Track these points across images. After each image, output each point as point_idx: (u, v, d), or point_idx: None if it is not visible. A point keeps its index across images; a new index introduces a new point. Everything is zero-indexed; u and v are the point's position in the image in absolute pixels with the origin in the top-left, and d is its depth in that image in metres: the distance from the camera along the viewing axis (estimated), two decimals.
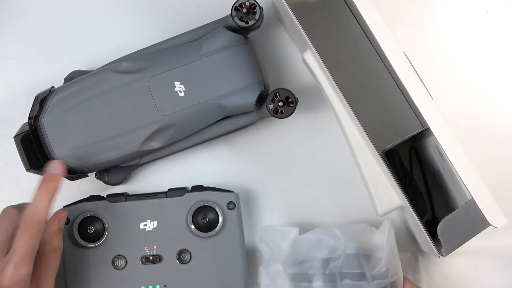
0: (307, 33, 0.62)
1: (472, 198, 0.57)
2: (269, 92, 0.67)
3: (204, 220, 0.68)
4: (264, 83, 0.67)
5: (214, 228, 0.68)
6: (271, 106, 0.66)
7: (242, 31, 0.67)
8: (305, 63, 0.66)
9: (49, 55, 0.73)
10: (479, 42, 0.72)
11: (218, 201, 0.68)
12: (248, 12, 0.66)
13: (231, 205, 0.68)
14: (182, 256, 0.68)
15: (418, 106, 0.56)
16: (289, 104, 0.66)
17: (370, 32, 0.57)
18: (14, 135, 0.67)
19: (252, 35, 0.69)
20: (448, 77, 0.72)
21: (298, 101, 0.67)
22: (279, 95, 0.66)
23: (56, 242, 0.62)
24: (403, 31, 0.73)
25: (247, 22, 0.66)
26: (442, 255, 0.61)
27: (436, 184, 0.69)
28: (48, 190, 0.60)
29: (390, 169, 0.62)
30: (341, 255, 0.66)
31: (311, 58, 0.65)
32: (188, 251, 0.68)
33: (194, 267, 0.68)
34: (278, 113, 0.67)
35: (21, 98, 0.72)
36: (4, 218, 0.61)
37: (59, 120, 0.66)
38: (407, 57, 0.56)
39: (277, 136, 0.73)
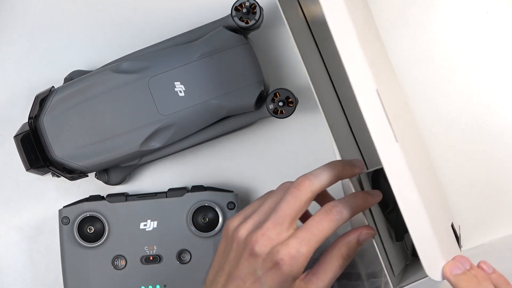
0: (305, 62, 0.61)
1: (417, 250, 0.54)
2: (269, 92, 0.67)
3: (204, 220, 0.68)
4: (264, 83, 0.67)
5: (214, 228, 0.68)
6: (271, 106, 0.66)
7: (242, 31, 0.67)
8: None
9: (49, 55, 0.73)
10: (479, 42, 0.72)
11: (218, 201, 0.68)
12: (248, 12, 0.66)
13: (231, 205, 0.68)
14: (182, 256, 0.68)
15: (378, 150, 0.52)
16: (289, 104, 0.66)
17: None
18: (14, 135, 0.68)
19: (252, 35, 0.69)
20: (448, 77, 0.72)
21: (298, 101, 0.67)
22: (279, 95, 0.66)
23: (345, 251, 0.56)
24: (403, 31, 0.72)
25: (247, 22, 0.66)
26: None
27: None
28: (333, 169, 0.56)
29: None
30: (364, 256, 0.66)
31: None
32: (188, 251, 0.68)
33: (194, 267, 0.68)
34: (278, 113, 0.67)
35: (21, 98, 0.72)
36: (279, 188, 0.58)
37: (59, 120, 0.66)
38: (379, 95, 0.53)
39: (277, 136, 0.72)
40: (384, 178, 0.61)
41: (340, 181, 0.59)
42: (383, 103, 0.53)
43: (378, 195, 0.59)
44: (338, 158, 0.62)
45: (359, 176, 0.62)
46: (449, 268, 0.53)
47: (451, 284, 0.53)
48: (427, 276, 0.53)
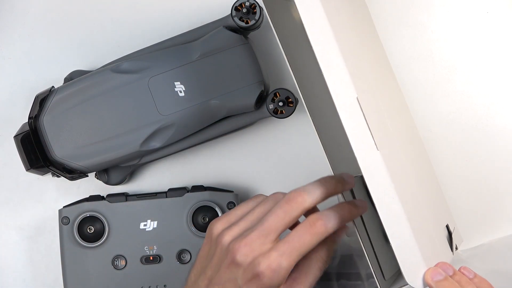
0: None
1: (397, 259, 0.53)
2: (269, 92, 0.67)
3: (204, 220, 0.68)
4: (264, 83, 0.67)
5: None
6: (271, 106, 0.66)
7: (242, 31, 0.67)
8: None
9: (49, 55, 0.73)
10: (479, 42, 0.72)
11: (218, 201, 0.68)
12: (248, 12, 0.66)
13: (231, 205, 0.68)
14: (182, 256, 0.68)
15: (357, 158, 0.52)
16: (289, 104, 0.66)
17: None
18: (14, 135, 0.68)
19: (252, 35, 0.69)
20: (448, 77, 0.72)
21: (298, 101, 0.67)
22: (279, 95, 0.66)
23: (324, 254, 0.57)
24: (403, 31, 0.73)
25: (247, 22, 0.66)
26: None
27: None
28: (326, 186, 0.55)
29: (353, 196, 0.61)
30: (336, 255, 0.66)
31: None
32: (188, 251, 0.68)
33: None
34: (278, 113, 0.67)
35: (21, 98, 0.72)
36: (270, 198, 0.57)
37: (59, 120, 0.66)
38: (359, 103, 0.52)
39: (277, 136, 0.73)
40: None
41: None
42: (365, 110, 0.52)
43: (363, 206, 0.58)
44: (327, 163, 0.61)
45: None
46: (430, 274, 0.53)
47: None
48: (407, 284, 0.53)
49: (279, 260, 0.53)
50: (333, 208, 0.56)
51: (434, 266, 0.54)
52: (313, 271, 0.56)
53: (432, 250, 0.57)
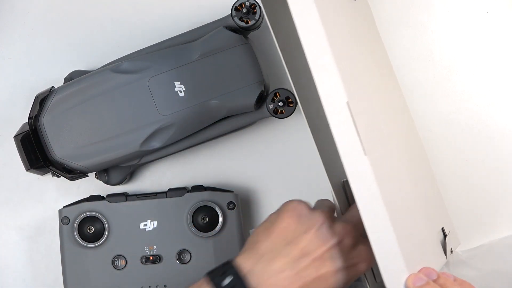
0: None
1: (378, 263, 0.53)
2: (269, 92, 0.67)
3: (204, 220, 0.68)
4: (264, 83, 0.67)
5: (214, 228, 0.68)
6: (271, 106, 0.66)
7: (242, 31, 0.67)
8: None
9: (49, 55, 0.73)
10: (479, 42, 0.72)
11: (218, 201, 0.68)
12: (248, 12, 0.66)
13: (231, 205, 0.68)
14: (182, 256, 0.68)
15: (343, 163, 0.52)
16: (289, 104, 0.66)
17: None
18: (14, 135, 0.68)
19: (252, 35, 0.69)
20: (448, 77, 0.72)
21: (298, 101, 0.67)
22: (279, 95, 0.66)
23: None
24: (403, 31, 0.73)
25: (247, 22, 0.66)
26: None
27: None
28: None
29: (347, 199, 0.62)
30: None
31: None
32: (188, 251, 0.68)
33: (194, 267, 0.68)
34: (278, 113, 0.67)
35: (21, 98, 0.72)
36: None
37: (59, 120, 0.66)
38: (350, 109, 0.52)
39: (277, 136, 0.73)
40: None
41: (330, 188, 0.60)
42: (355, 115, 0.51)
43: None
44: (322, 166, 0.61)
45: (343, 182, 0.62)
46: (411, 280, 0.53)
47: None
48: None
49: (371, 257, 0.55)
50: None
51: (417, 272, 0.54)
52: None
53: (419, 256, 0.57)
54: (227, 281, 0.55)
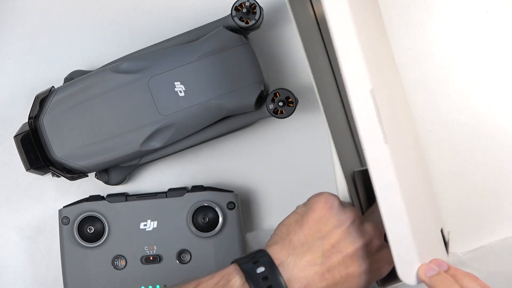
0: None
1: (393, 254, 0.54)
2: (269, 92, 0.67)
3: (204, 220, 0.68)
4: (264, 83, 0.67)
5: (214, 228, 0.68)
6: (271, 106, 0.66)
7: (242, 31, 0.67)
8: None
9: (49, 55, 0.73)
10: (479, 42, 0.72)
11: (218, 201, 0.68)
12: (248, 12, 0.66)
13: (231, 205, 0.68)
14: (182, 256, 0.68)
15: (364, 149, 0.53)
16: (289, 104, 0.66)
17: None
18: (14, 135, 0.68)
19: (252, 35, 0.69)
20: (448, 77, 0.72)
21: (298, 101, 0.67)
22: (279, 95, 0.66)
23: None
24: (403, 31, 0.72)
25: (247, 22, 0.66)
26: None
27: None
28: None
29: (355, 190, 0.62)
30: None
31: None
32: (188, 251, 0.68)
33: (194, 267, 0.68)
34: (278, 113, 0.67)
35: (21, 98, 0.72)
36: None
37: (59, 120, 0.66)
38: (373, 96, 0.52)
39: (277, 136, 0.72)
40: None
41: (334, 178, 0.60)
42: (377, 103, 0.52)
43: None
44: (335, 155, 0.62)
45: (353, 172, 0.62)
46: (423, 270, 0.54)
47: (427, 285, 0.54)
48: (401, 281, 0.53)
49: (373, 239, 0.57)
50: None
51: (428, 262, 0.55)
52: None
53: (429, 249, 0.57)
54: (260, 269, 0.54)
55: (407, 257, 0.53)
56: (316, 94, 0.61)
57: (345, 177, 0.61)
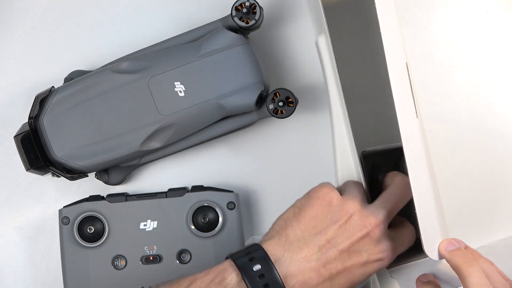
0: (327, 17, 0.61)
1: (418, 224, 0.55)
2: (269, 92, 0.67)
3: (204, 220, 0.68)
4: (264, 83, 0.67)
5: (214, 228, 0.68)
6: (271, 106, 0.66)
7: (242, 31, 0.67)
8: (316, 46, 0.65)
9: (49, 55, 0.73)
10: (479, 42, 0.72)
11: (218, 201, 0.68)
12: (248, 12, 0.66)
13: (231, 205, 0.68)
14: (182, 256, 0.68)
15: (398, 120, 0.54)
16: (289, 104, 0.66)
17: (380, 34, 0.55)
18: (14, 135, 0.68)
19: (252, 35, 0.69)
20: (448, 77, 0.72)
21: (298, 101, 0.67)
22: (279, 95, 0.66)
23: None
24: (403, 31, 0.72)
25: (247, 22, 0.66)
26: (387, 268, 0.61)
27: None
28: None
29: (363, 170, 0.62)
30: None
31: (323, 43, 0.64)
32: (188, 251, 0.68)
33: (194, 267, 0.68)
34: (278, 113, 0.67)
35: (21, 98, 0.72)
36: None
37: (59, 120, 0.66)
38: (408, 69, 0.54)
39: (277, 136, 0.73)
40: (380, 157, 0.63)
41: (334, 164, 0.61)
42: (410, 77, 0.54)
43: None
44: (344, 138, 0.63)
45: (361, 153, 0.63)
46: (444, 245, 0.54)
47: (446, 260, 0.54)
48: (421, 258, 0.54)
49: (395, 252, 0.58)
50: None
51: (448, 239, 0.55)
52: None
53: (445, 230, 0.58)
54: (256, 267, 0.54)
55: (432, 231, 0.54)
56: (338, 80, 0.63)
57: (354, 158, 0.62)
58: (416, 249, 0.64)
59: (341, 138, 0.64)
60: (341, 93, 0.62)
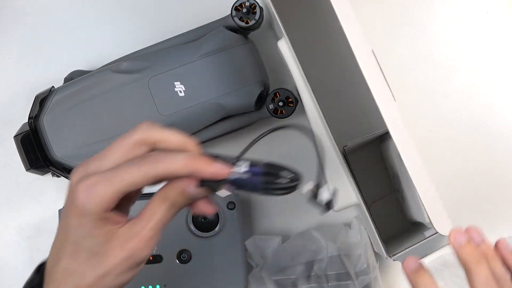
0: (281, 21, 0.61)
1: (424, 206, 0.55)
2: (269, 92, 0.67)
3: (204, 220, 0.68)
4: (264, 83, 0.67)
5: (214, 228, 0.68)
6: (271, 106, 0.66)
7: (242, 31, 0.67)
8: (279, 51, 0.66)
9: (49, 55, 0.73)
10: (479, 42, 0.72)
11: (218, 201, 0.68)
12: (248, 12, 0.66)
13: (231, 205, 0.68)
14: (182, 256, 0.68)
15: (379, 107, 0.54)
16: (289, 104, 0.66)
17: (341, 27, 0.55)
18: (14, 135, 0.68)
19: (252, 35, 0.69)
20: (448, 77, 0.72)
21: (298, 101, 0.67)
22: (279, 95, 0.66)
23: (171, 194, 0.50)
24: (403, 31, 0.73)
25: (247, 22, 0.66)
26: (390, 256, 0.61)
27: (394, 187, 0.70)
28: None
29: (348, 166, 0.62)
30: (324, 257, 0.67)
31: (284, 47, 0.64)
32: (188, 251, 0.68)
33: (194, 267, 0.68)
34: (278, 113, 0.67)
35: (21, 98, 0.72)
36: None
37: (59, 120, 0.66)
38: (375, 56, 0.54)
39: (277, 136, 0.72)
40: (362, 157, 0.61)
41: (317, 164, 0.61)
42: (379, 63, 0.54)
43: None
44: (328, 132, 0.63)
45: (343, 148, 0.63)
46: (453, 235, 0.52)
47: (454, 251, 0.53)
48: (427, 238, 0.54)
49: (95, 182, 0.48)
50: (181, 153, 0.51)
51: (465, 229, 0.53)
52: (157, 209, 0.51)
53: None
54: None
55: (436, 206, 0.55)
56: (301, 88, 0.63)
57: (337, 154, 0.63)
58: (415, 232, 0.64)
59: (321, 135, 0.64)
60: (311, 92, 0.62)
